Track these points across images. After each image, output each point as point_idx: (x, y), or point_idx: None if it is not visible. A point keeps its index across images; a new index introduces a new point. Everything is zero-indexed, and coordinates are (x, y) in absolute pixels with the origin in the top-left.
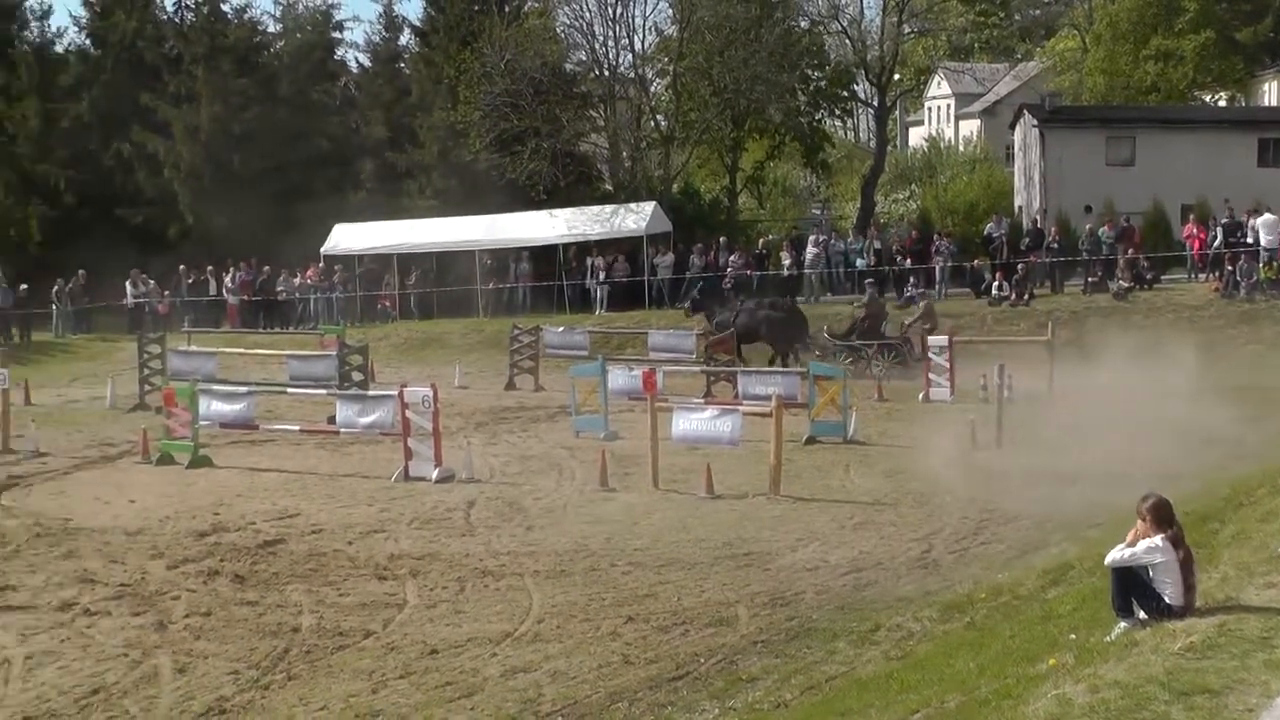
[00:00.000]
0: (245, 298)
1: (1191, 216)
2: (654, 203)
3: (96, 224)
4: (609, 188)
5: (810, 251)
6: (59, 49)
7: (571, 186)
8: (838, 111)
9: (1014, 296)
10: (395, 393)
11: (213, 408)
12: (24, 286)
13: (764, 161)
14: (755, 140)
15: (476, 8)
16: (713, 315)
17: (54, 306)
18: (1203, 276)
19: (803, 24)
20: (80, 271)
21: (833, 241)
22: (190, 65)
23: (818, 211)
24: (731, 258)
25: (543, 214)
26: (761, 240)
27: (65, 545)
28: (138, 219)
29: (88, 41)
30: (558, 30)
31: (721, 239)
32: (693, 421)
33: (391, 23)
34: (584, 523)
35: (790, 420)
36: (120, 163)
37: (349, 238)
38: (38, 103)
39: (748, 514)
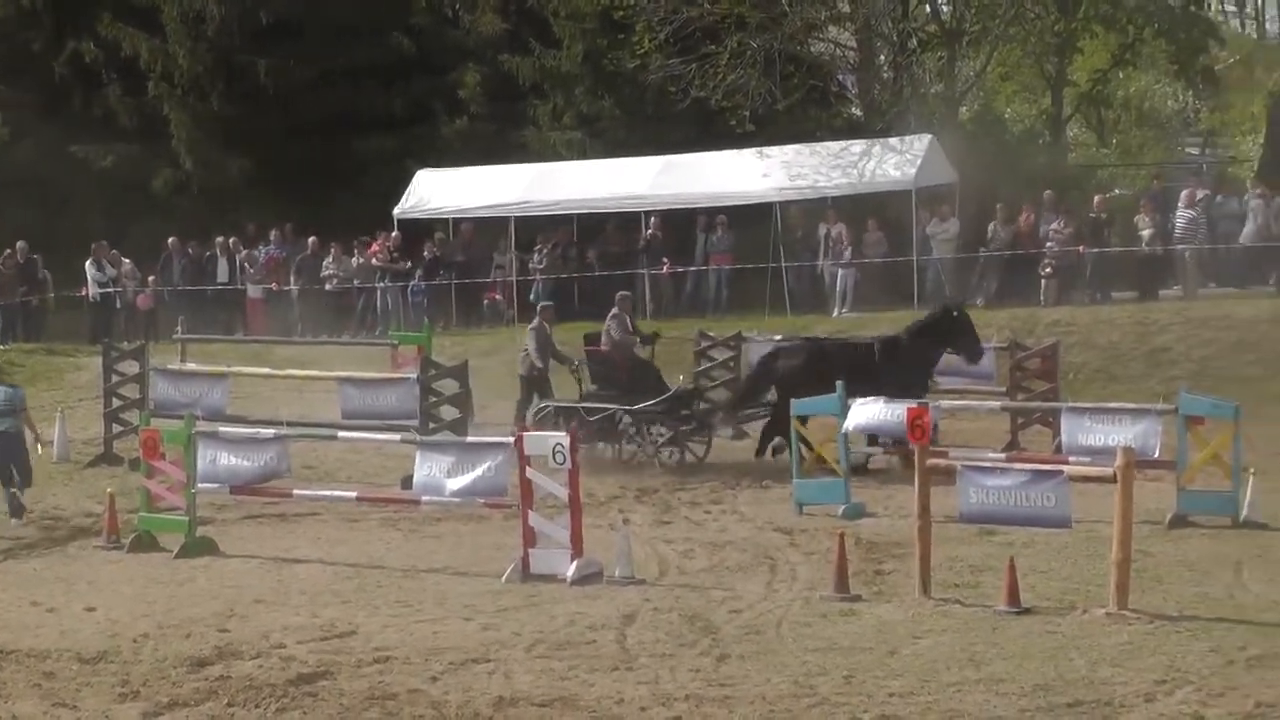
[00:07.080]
0: (274, 286)
1: None
2: (929, 137)
3: (39, 170)
4: (856, 113)
5: (1182, 215)
6: None
7: (797, 111)
8: None
9: None
10: (510, 439)
11: (221, 461)
12: None
13: (1108, 71)
14: (1094, 37)
15: None
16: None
17: None
18: None
19: None
20: (20, 244)
21: (1219, 200)
22: None
23: (1195, 152)
24: (1053, 225)
25: (749, 154)
26: (1101, 197)
27: None
28: (105, 161)
29: None
30: None
31: (1045, 194)
32: (989, 489)
33: None
34: (810, 651)
35: (1147, 490)
36: (79, 71)
37: (439, 191)
38: None
39: (1075, 640)
